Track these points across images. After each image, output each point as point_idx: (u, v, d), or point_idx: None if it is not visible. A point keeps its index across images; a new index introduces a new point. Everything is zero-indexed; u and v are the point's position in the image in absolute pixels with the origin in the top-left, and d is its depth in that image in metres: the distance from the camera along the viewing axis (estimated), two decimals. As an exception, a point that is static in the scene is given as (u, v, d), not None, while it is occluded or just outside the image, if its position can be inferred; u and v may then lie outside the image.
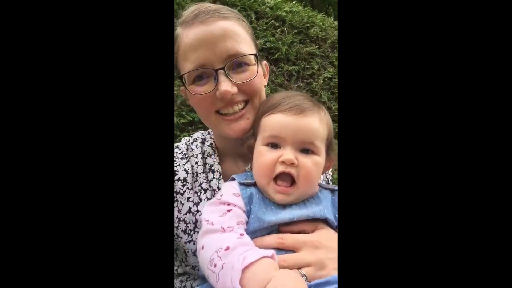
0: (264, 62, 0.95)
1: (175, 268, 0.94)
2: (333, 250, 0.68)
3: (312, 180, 0.75)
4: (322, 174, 0.94)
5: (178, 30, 0.82)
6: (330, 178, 1.02)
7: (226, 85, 0.77)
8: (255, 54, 0.82)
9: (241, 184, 0.77)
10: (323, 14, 3.38)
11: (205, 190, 0.88)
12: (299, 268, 0.66)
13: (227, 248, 0.61)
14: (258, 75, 0.82)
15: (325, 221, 0.75)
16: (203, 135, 0.98)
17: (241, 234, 0.66)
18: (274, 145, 0.74)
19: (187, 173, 0.89)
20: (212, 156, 0.92)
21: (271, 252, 0.60)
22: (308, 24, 3.00)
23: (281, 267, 0.63)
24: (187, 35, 0.79)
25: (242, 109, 0.81)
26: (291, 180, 0.73)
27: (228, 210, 0.71)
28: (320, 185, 0.80)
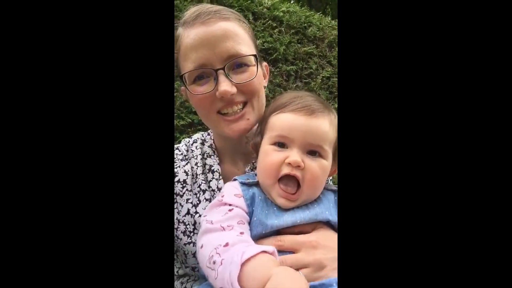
0: (264, 63, 0.95)
1: (176, 270, 0.94)
2: (332, 250, 0.68)
3: (317, 184, 0.73)
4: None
5: (179, 31, 0.83)
6: (330, 178, 1.02)
7: (225, 85, 0.77)
8: (255, 55, 0.82)
9: (243, 184, 0.76)
10: (320, 14, 3.39)
11: (204, 191, 0.88)
12: (297, 269, 0.66)
13: (226, 245, 0.60)
14: (258, 76, 0.82)
15: (326, 223, 0.74)
16: (203, 136, 0.98)
17: (241, 232, 0.65)
18: (281, 145, 0.73)
19: (187, 174, 0.89)
20: (212, 157, 0.92)
21: (272, 248, 0.59)
22: (305, 24, 3.00)
23: None
24: (188, 35, 0.80)
25: (241, 109, 0.82)
26: (296, 186, 0.71)
27: (230, 210, 0.70)
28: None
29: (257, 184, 0.76)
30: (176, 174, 0.89)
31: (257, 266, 0.55)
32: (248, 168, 0.91)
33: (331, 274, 0.65)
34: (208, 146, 0.94)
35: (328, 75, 3.03)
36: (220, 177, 0.90)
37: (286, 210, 0.72)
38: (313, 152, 0.72)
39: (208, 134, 0.99)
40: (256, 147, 0.79)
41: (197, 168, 0.91)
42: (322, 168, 0.72)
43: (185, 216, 0.86)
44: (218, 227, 0.66)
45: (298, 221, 0.70)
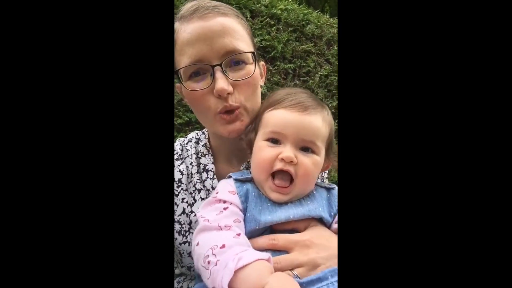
0: (262, 62, 0.94)
1: (175, 271, 0.94)
2: (325, 249, 0.68)
3: (309, 179, 0.74)
4: (320, 174, 0.94)
5: (176, 25, 0.82)
6: (326, 176, 1.02)
7: (222, 83, 0.76)
8: (252, 52, 0.81)
9: (237, 180, 0.76)
10: (318, 12, 3.38)
11: (199, 191, 0.88)
12: (292, 269, 0.66)
13: (223, 246, 0.60)
14: (255, 74, 0.81)
15: (319, 220, 0.75)
16: (197, 135, 0.98)
17: (238, 234, 0.65)
18: (274, 141, 0.74)
19: (182, 174, 0.89)
20: (206, 156, 0.92)
21: (267, 255, 0.59)
22: (303, 22, 2.99)
23: (275, 269, 0.63)
24: (185, 29, 0.78)
25: (237, 108, 0.81)
26: (289, 179, 0.72)
27: (225, 208, 0.70)
28: (316, 184, 0.80)
29: (251, 180, 0.77)
30: None
31: (251, 273, 0.55)
32: (243, 166, 0.90)
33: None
34: (203, 145, 0.94)
35: (326, 73, 3.03)
36: (215, 176, 0.89)
37: (280, 205, 0.73)
38: (306, 148, 0.73)
39: (203, 133, 0.98)
40: (250, 144, 0.80)
41: (192, 168, 0.90)
42: (315, 164, 0.74)
43: (180, 215, 0.86)
44: (216, 226, 0.66)
45: (291, 216, 0.71)
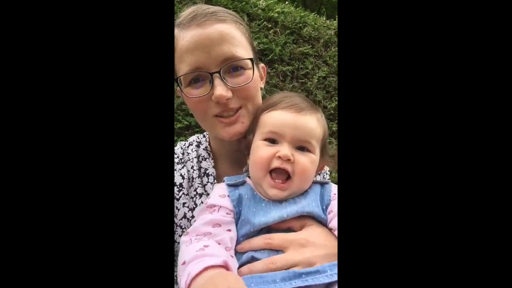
0: (262, 64, 0.94)
1: (175, 273, 0.94)
2: (320, 247, 0.68)
3: (307, 176, 0.76)
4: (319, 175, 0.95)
5: (175, 32, 0.82)
6: (328, 178, 1.02)
7: (221, 90, 0.77)
8: (251, 59, 0.82)
9: (229, 185, 0.78)
10: (315, 14, 3.39)
11: (200, 195, 0.88)
12: (288, 268, 0.66)
13: (183, 263, 0.62)
14: (254, 79, 0.82)
15: (314, 217, 0.75)
16: (198, 139, 0.98)
17: (206, 246, 0.65)
18: (272, 141, 0.76)
19: (183, 178, 0.89)
20: (207, 160, 0.92)
21: (220, 260, 0.61)
22: (300, 24, 3.00)
23: (270, 269, 0.64)
24: (183, 37, 0.79)
25: (236, 112, 0.81)
26: (286, 176, 0.74)
27: (211, 213, 0.73)
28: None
29: (243, 184, 0.78)
30: None
31: (201, 283, 0.57)
32: (245, 169, 0.90)
33: None
34: (204, 149, 0.94)
35: (324, 75, 3.04)
36: (215, 180, 0.90)
37: (274, 205, 0.74)
38: (302, 147, 0.76)
39: (204, 136, 0.98)
40: (248, 145, 0.81)
41: (193, 172, 0.90)
42: (311, 162, 0.76)
43: (181, 220, 0.86)
44: (188, 240, 0.68)
45: (284, 215, 0.72)
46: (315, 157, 0.77)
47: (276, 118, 0.76)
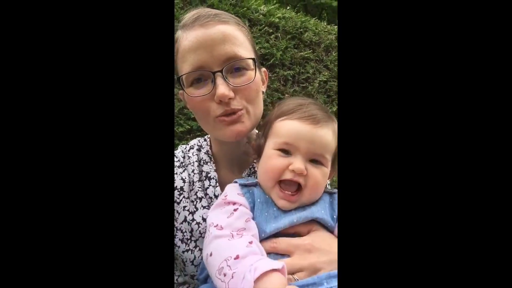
0: (263, 69, 0.95)
1: (176, 277, 0.94)
2: (326, 253, 0.68)
3: (318, 190, 0.76)
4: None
5: (178, 33, 0.83)
6: (329, 182, 1.02)
7: (223, 89, 0.77)
8: (253, 59, 0.82)
9: (243, 186, 0.78)
10: (316, 19, 3.41)
11: (201, 199, 0.88)
12: (292, 273, 0.66)
13: (237, 257, 0.61)
14: (256, 80, 0.82)
15: (322, 223, 0.75)
16: (199, 142, 0.98)
17: (250, 242, 0.65)
18: (285, 151, 0.75)
19: (184, 181, 0.89)
20: (208, 163, 0.92)
21: (281, 264, 0.59)
22: (301, 29, 3.02)
23: None
24: (186, 37, 0.80)
25: (239, 110, 0.81)
26: (296, 186, 0.73)
27: (235, 210, 0.71)
28: None
29: (256, 185, 0.78)
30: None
31: (268, 285, 0.55)
32: (245, 173, 0.90)
33: None
34: (205, 153, 0.94)
35: (325, 79, 3.04)
36: (217, 184, 0.90)
37: (285, 211, 0.74)
38: (315, 160, 0.74)
39: (205, 140, 0.98)
40: (259, 149, 0.80)
41: (193, 175, 0.90)
42: (323, 175, 0.75)
43: (182, 223, 0.86)
44: (227, 234, 0.66)
45: (295, 220, 0.72)
46: (327, 170, 0.76)
47: (292, 129, 0.74)
